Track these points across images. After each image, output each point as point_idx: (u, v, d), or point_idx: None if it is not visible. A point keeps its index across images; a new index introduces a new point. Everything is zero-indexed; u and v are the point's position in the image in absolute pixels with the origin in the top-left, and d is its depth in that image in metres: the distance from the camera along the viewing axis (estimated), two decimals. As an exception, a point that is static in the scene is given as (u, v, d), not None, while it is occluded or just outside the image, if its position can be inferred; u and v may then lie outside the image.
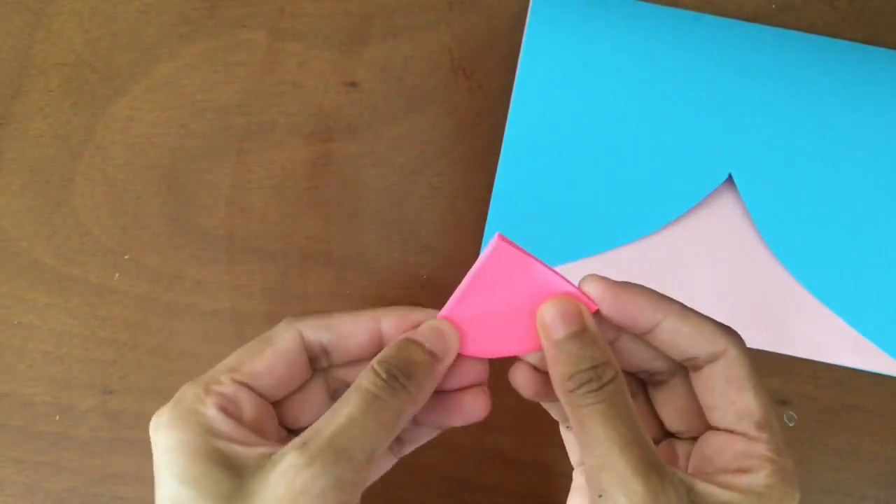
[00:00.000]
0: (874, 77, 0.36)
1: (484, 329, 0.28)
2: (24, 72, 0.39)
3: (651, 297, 0.26)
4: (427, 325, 0.27)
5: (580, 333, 0.25)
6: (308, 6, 0.39)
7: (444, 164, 0.38)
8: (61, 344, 0.37)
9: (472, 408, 0.28)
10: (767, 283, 0.35)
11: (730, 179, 0.35)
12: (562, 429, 0.30)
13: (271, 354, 0.27)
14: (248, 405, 0.26)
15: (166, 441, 0.25)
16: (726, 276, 0.35)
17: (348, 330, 0.28)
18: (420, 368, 0.26)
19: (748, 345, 0.35)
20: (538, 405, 0.36)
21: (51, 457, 0.36)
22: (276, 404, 0.28)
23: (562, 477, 0.36)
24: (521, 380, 0.28)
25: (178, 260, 0.37)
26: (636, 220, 0.35)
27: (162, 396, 0.37)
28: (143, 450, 0.36)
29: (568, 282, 0.27)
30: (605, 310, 0.26)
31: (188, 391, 0.26)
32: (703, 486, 0.24)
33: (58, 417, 0.37)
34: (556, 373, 0.26)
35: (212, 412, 0.25)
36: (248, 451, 0.25)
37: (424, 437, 0.30)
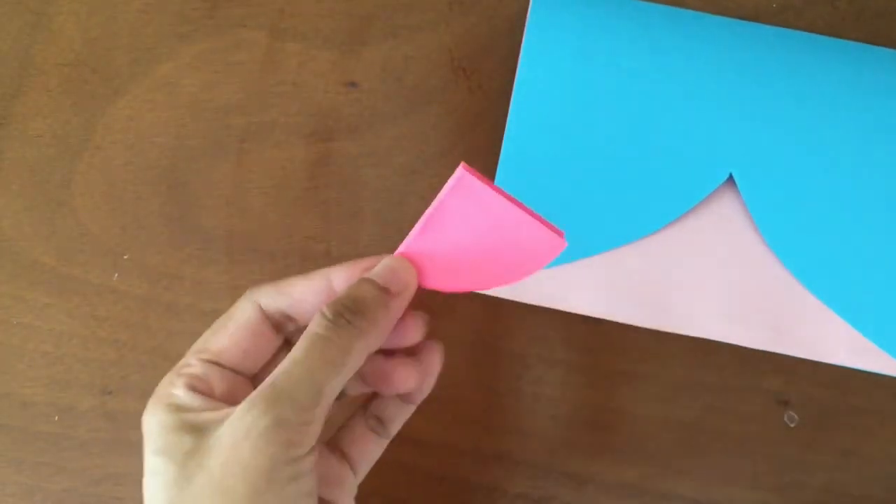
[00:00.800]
0: (875, 77, 0.36)
1: (446, 262, 0.27)
2: (24, 72, 0.39)
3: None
4: (381, 263, 0.28)
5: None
6: (308, 6, 0.39)
7: (444, 164, 0.38)
8: (61, 344, 0.37)
9: (429, 359, 0.29)
10: (768, 283, 0.35)
11: (730, 179, 0.35)
12: None
13: (234, 329, 0.28)
14: (219, 381, 0.27)
15: (146, 426, 0.26)
16: (727, 276, 0.35)
17: (301, 292, 0.28)
18: (370, 303, 0.26)
19: (748, 344, 0.35)
20: (538, 406, 0.36)
21: (50, 457, 0.36)
22: (256, 376, 0.29)
23: (562, 477, 0.36)
24: None
25: (178, 260, 0.37)
26: (636, 220, 0.35)
27: (162, 397, 0.37)
28: (143, 450, 0.36)
29: (533, 215, 0.26)
30: None
31: (163, 380, 0.27)
32: None
33: (57, 418, 0.37)
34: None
35: (180, 391, 0.26)
36: (216, 416, 0.25)
37: (400, 415, 0.30)
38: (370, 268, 0.28)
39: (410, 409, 0.31)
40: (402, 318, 0.28)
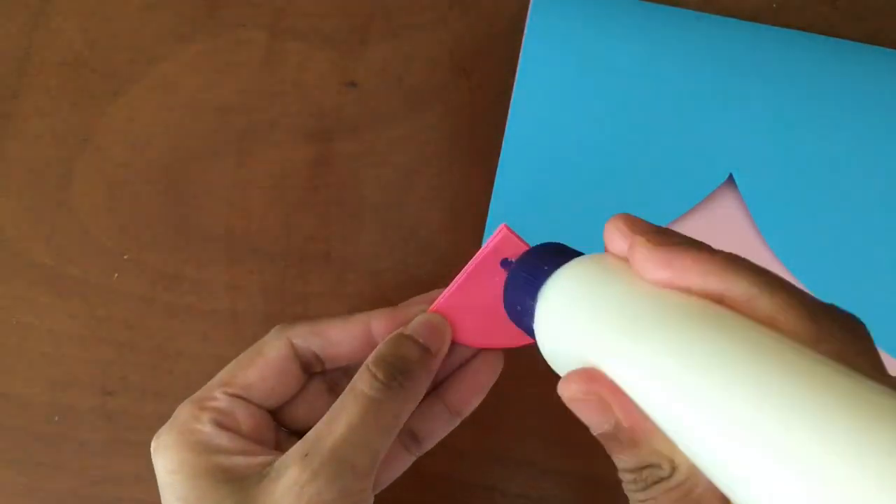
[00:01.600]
0: (875, 77, 0.36)
1: (478, 319, 0.27)
2: (24, 72, 0.39)
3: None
4: (419, 319, 0.27)
5: (611, 436, 0.19)
6: (308, 6, 0.39)
7: (444, 164, 0.38)
8: (60, 344, 0.37)
9: (485, 371, 0.29)
10: (768, 283, 0.35)
11: (730, 179, 0.35)
12: None
13: (262, 365, 0.27)
14: (245, 416, 0.26)
15: (166, 463, 0.25)
16: (727, 276, 0.35)
17: (338, 336, 0.28)
18: (415, 364, 0.26)
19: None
20: (538, 406, 0.36)
21: (50, 457, 0.36)
22: (276, 410, 0.28)
23: (563, 477, 0.36)
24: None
25: (178, 260, 0.37)
26: (636, 220, 0.35)
27: (161, 397, 0.37)
28: (143, 451, 0.36)
29: None
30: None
31: (183, 410, 0.26)
32: None
33: (57, 418, 0.36)
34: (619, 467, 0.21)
35: (208, 428, 0.25)
36: (249, 462, 0.25)
37: (443, 429, 0.29)
38: (409, 318, 0.27)
39: (456, 423, 0.30)
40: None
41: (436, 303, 0.27)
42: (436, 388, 0.29)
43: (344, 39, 0.39)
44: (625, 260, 0.21)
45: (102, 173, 0.38)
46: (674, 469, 0.18)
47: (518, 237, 0.26)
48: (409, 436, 0.29)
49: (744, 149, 0.35)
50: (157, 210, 0.38)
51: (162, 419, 0.36)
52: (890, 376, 0.17)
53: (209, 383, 0.27)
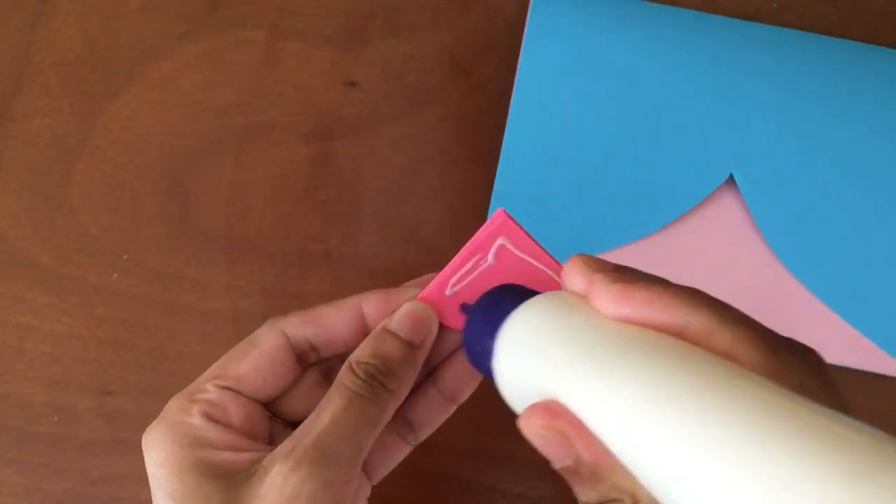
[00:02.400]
0: (875, 76, 0.36)
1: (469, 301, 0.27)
2: (23, 71, 0.39)
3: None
4: (402, 310, 0.27)
5: (573, 470, 0.21)
6: (308, 6, 0.39)
7: (444, 164, 0.38)
8: (59, 344, 0.37)
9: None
10: (768, 283, 0.35)
11: (731, 179, 0.35)
12: None
13: (255, 356, 0.27)
14: (236, 409, 0.26)
15: (155, 457, 0.25)
16: (727, 276, 0.35)
17: (331, 322, 0.27)
18: (397, 362, 0.26)
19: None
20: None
21: (49, 458, 0.36)
22: (272, 402, 0.28)
23: (562, 477, 0.36)
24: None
25: (178, 260, 0.37)
26: (637, 220, 0.35)
27: (161, 397, 0.36)
28: (142, 451, 0.36)
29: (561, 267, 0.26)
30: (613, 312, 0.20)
31: (173, 403, 0.26)
32: None
33: (56, 418, 0.36)
34: None
35: (197, 420, 0.25)
36: (238, 458, 0.25)
37: (439, 416, 0.29)
38: (400, 302, 0.27)
39: (451, 411, 0.29)
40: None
41: (426, 289, 0.27)
42: (430, 375, 0.29)
43: (344, 39, 0.39)
44: (584, 298, 0.21)
45: (102, 173, 0.38)
46: None
47: (516, 223, 0.26)
48: (405, 424, 0.29)
49: (744, 149, 0.35)
50: (157, 210, 0.38)
51: (161, 419, 0.36)
52: (844, 407, 0.17)
53: (201, 377, 0.27)
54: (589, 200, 0.35)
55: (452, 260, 0.27)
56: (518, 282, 0.26)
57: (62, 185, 0.38)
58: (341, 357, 0.29)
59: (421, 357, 0.27)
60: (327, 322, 0.27)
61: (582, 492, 0.19)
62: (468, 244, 0.26)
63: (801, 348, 0.19)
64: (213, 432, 0.25)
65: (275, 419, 0.28)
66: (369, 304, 0.27)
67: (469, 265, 0.27)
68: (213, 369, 0.27)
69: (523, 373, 0.21)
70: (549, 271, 0.26)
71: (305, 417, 0.25)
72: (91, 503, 0.36)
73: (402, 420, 0.29)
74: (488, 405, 0.36)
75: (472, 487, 0.36)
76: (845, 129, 0.35)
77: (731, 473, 0.15)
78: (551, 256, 0.27)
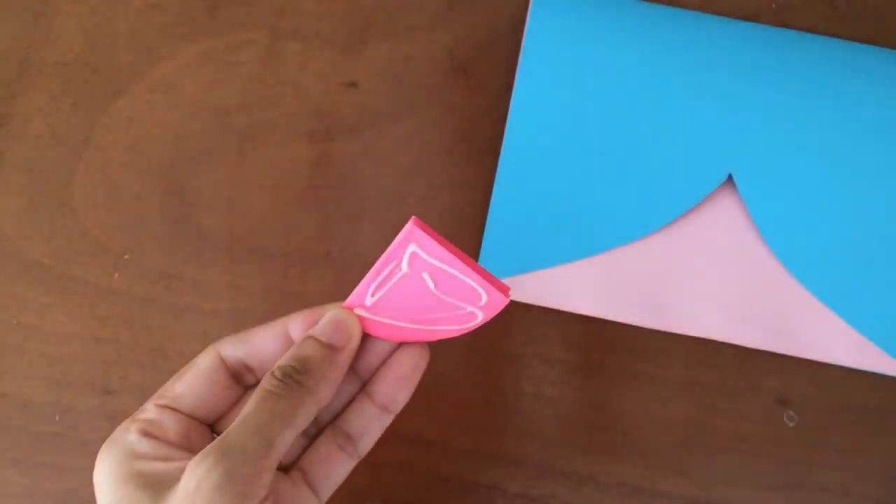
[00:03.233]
0: (874, 77, 0.36)
1: (393, 312, 0.28)
2: (24, 72, 0.39)
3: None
4: (325, 317, 0.28)
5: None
6: (308, 6, 0.39)
7: (444, 164, 0.38)
8: (61, 344, 0.37)
9: (407, 364, 0.29)
10: (767, 284, 0.35)
11: (730, 179, 0.35)
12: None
13: (191, 376, 0.29)
14: (173, 425, 0.28)
15: (99, 470, 0.26)
16: (726, 277, 0.35)
17: (261, 341, 0.29)
18: (315, 361, 0.27)
19: (748, 344, 0.35)
20: (537, 405, 0.36)
21: (51, 457, 0.36)
22: (216, 421, 0.29)
23: (562, 477, 0.36)
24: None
25: (178, 260, 0.37)
26: (636, 221, 0.35)
27: (162, 396, 0.37)
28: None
29: (479, 271, 0.27)
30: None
31: (120, 425, 0.28)
32: None
33: (57, 418, 0.37)
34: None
35: (133, 437, 0.27)
36: (169, 467, 0.26)
37: (375, 426, 0.29)
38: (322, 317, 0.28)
39: (387, 421, 0.30)
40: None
41: (348, 299, 0.28)
42: (363, 386, 0.30)
43: (344, 39, 0.39)
44: None
45: (103, 173, 0.38)
46: None
47: (427, 229, 0.27)
48: (342, 436, 0.29)
49: (744, 149, 0.35)
50: (158, 210, 0.38)
51: (162, 419, 0.36)
52: None
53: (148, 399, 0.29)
54: (588, 200, 0.35)
55: (370, 270, 0.27)
56: (437, 288, 0.27)
57: (63, 185, 0.38)
58: None
59: (344, 359, 0.28)
60: (257, 342, 0.29)
61: None
62: (384, 254, 0.27)
63: None
64: (147, 446, 0.26)
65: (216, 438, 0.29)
66: (296, 321, 0.29)
67: (385, 273, 0.27)
68: (159, 391, 0.29)
69: None
70: (461, 275, 0.27)
71: None
72: (92, 503, 0.36)
73: (339, 432, 0.29)
74: (489, 405, 0.36)
75: (472, 487, 0.36)
76: (845, 130, 0.35)
77: None
78: (468, 260, 0.27)
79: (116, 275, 0.37)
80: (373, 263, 0.36)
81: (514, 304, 0.35)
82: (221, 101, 0.38)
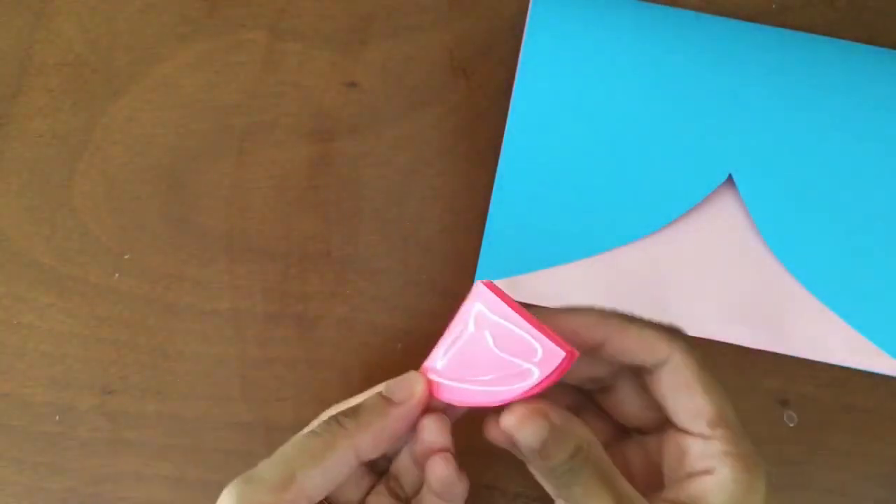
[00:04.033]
0: (874, 77, 0.36)
1: (461, 376, 0.28)
2: (24, 72, 0.39)
3: (589, 318, 0.27)
4: (398, 377, 0.28)
5: (548, 439, 0.25)
6: (308, 6, 0.39)
7: (444, 164, 0.38)
8: (61, 344, 0.37)
9: (430, 474, 0.29)
10: (768, 283, 0.35)
11: (730, 179, 0.35)
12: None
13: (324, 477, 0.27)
14: None
15: None
16: (726, 277, 0.35)
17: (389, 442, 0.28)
18: (364, 408, 0.27)
19: (748, 344, 0.35)
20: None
21: (50, 457, 0.36)
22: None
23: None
24: (495, 435, 0.28)
25: (178, 260, 0.37)
26: (636, 221, 0.35)
27: (161, 397, 0.37)
28: (143, 450, 0.36)
29: (541, 331, 0.26)
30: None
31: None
32: None
33: (57, 418, 0.37)
34: (536, 468, 0.27)
35: None
36: None
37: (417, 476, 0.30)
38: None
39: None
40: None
41: (425, 362, 0.28)
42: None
43: (344, 39, 0.39)
44: None
45: (103, 173, 0.38)
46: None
47: (495, 288, 0.27)
48: (395, 482, 0.30)
49: (744, 149, 0.35)
50: (157, 210, 0.38)
51: (162, 419, 0.36)
52: None
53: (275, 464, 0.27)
54: (589, 200, 0.35)
55: (445, 332, 0.28)
56: (503, 350, 0.27)
57: (63, 186, 0.38)
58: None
59: (398, 413, 0.27)
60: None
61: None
62: (456, 315, 0.27)
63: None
64: None
65: None
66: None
67: (454, 335, 0.27)
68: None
69: None
70: (517, 329, 0.26)
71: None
72: (92, 502, 0.36)
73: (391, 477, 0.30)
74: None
75: (472, 487, 0.36)
76: (844, 130, 0.35)
77: None
78: (528, 315, 0.26)
79: (116, 275, 0.37)
80: (373, 263, 0.36)
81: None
82: (221, 101, 0.38)
